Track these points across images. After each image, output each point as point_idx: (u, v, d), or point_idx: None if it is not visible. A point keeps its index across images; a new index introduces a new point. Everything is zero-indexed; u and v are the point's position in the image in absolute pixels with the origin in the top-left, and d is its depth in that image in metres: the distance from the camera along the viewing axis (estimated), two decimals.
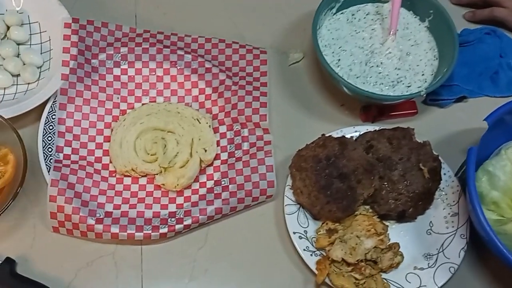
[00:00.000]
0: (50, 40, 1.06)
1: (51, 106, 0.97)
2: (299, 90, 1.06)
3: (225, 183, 0.93)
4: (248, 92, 1.00)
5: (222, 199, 0.92)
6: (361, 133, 0.96)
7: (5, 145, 0.91)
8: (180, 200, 0.93)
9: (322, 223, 0.91)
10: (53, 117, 0.97)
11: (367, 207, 0.93)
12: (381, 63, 1.00)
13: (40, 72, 1.03)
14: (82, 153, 0.96)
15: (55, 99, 0.98)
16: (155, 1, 1.14)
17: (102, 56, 1.02)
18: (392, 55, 1.00)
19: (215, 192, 0.92)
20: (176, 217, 0.90)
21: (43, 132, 0.95)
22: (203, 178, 0.95)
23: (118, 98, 1.01)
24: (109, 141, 0.97)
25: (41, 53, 1.05)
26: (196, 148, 0.95)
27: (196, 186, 0.94)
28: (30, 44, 1.06)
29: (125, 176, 0.95)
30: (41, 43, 1.06)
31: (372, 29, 1.04)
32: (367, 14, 1.06)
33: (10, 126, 0.89)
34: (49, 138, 0.95)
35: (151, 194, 0.94)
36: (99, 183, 0.93)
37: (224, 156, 0.96)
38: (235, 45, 1.06)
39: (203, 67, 1.03)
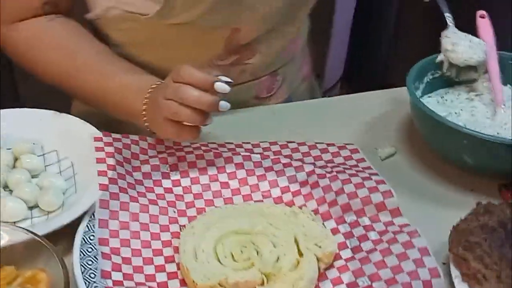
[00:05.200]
0: (72, 165, 0.82)
1: (86, 226, 0.70)
2: (406, 184, 0.82)
3: (364, 284, 0.63)
4: (352, 175, 0.75)
5: None
6: None
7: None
8: None
9: None
10: (91, 238, 0.68)
11: None
12: (497, 133, 0.83)
13: (63, 200, 0.77)
14: (138, 279, 0.66)
15: (90, 217, 0.70)
16: None
17: (146, 168, 0.79)
18: (508, 126, 0.83)
19: None
20: None
21: (80, 255, 0.66)
22: (327, 285, 0.65)
23: (174, 212, 0.75)
24: (172, 262, 0.68)
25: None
26: (306, 244, 0.67)
27: None
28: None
29: None
30: (60, 171, 0.82)
31: (472, 107, 0.88)
32: (458, 95, 0.91)
33: (44, 243, 0.59)
34: (89, 262, 0.66)
35: None
36: None
37: (346, 254, 0.68)
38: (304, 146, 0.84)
39: (278, 163, 0.80)
